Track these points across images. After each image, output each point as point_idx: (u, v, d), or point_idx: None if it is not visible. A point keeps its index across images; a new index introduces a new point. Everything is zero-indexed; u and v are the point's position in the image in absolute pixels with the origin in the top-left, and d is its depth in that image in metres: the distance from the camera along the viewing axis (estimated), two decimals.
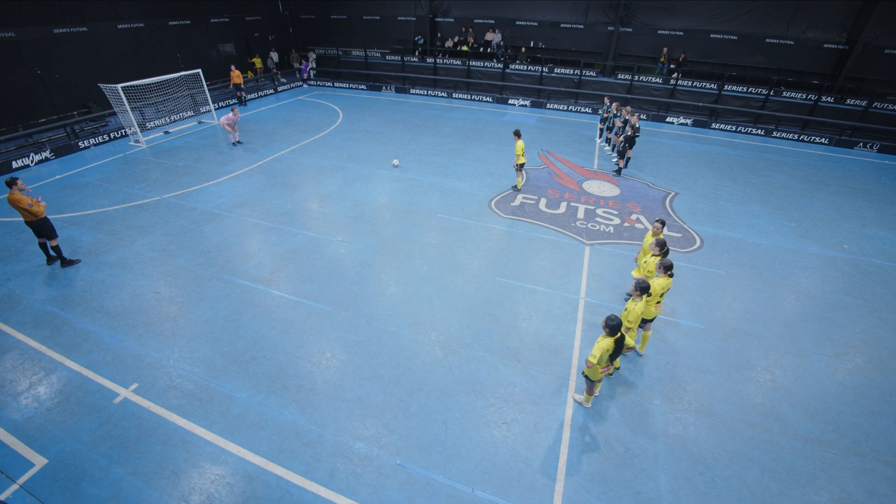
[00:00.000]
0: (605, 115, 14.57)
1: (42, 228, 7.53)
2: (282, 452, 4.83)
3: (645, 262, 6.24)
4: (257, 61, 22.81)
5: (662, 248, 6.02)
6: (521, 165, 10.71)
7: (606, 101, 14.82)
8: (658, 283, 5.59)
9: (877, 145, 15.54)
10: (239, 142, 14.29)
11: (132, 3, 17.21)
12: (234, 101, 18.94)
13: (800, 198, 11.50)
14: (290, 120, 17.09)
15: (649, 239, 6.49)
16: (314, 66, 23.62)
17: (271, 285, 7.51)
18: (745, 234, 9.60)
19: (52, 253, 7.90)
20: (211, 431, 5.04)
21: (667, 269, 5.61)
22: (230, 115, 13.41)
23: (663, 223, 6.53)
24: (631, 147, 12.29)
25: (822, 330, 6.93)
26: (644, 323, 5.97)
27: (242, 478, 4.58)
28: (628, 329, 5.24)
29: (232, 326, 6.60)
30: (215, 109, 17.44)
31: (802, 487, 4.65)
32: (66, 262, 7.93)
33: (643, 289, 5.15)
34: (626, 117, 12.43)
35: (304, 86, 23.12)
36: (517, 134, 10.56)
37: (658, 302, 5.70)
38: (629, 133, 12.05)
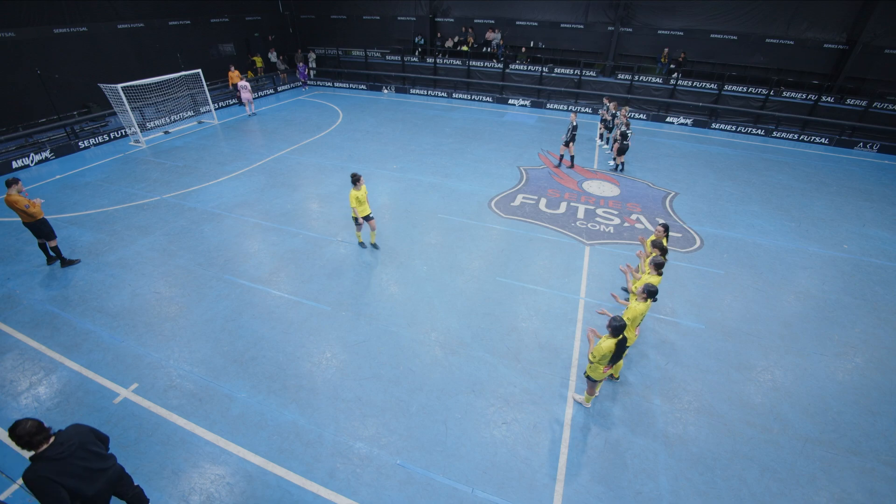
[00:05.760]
0: (604, 113, 14.59)
1: (40, 230, 7.52)
2: (282, 452, 4.83)
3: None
4: (258, 60, 22.80)
5: (662, 250, 6.04)
6: (367, 217, 7.93)
7: (605, 101, 14.85)
8: (652, 280, 5.60)
9: (877, 145, 15.54)
10: (254, 113, 16.81)
11: (132, 3, 17.22)
12: (234, 100, 18.94)
13: (800, 198, 11.50)
14: (290, 120, 17.08)
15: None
16: (314, 66, 23.59)
17: (271, 285, 7.51)
18: (746, 234, 9.60)
19: (51, 253, 7.90)
20: (211, 431, 5.04)
21: (658, 266, 5.61)
22: (246, 84, 16.49)
23: (665, 228, 6.49)
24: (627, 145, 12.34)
25: (822, 330, 6.92)
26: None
27: (242, 478, 4.57)
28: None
29: (232, 326, 6.59)
30: (215, 109, 17.43)
31: (802, 487, 4.65)
32: (66, 262, 7.92)
33: (650, 293, 5.13)
34: (622, 117, 12.52)
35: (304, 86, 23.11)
36: (354, 180, 7.50)
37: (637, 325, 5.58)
38: (623, 130, 12.12)
